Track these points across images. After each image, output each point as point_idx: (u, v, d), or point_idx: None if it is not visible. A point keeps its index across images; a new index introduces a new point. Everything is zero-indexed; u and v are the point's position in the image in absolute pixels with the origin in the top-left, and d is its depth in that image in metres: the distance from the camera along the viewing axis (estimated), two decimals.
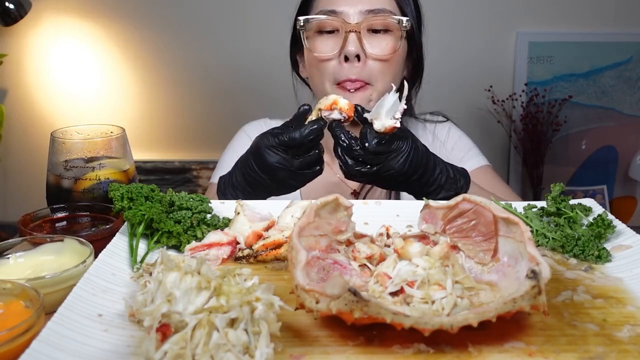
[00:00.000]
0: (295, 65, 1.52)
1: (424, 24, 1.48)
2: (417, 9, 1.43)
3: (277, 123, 1.54)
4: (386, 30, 1.32)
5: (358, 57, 1.30)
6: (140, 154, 2.95)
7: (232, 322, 0.62)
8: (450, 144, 1.55)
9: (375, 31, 1.32)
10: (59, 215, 0.99)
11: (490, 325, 0.66)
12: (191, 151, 3.02)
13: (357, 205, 0.96)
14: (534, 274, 0.66)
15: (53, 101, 3.01)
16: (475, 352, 0.66)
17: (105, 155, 1.05)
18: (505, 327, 0.69)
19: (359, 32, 1.29)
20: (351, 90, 1.32)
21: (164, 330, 0.60)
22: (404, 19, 1.31)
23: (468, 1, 2.90)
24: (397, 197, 1.46)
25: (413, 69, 1.47)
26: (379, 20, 1.31)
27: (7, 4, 2.73)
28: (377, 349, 0.67)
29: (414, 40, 1.40)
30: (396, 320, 0.63)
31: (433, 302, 0.69)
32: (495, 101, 2.86)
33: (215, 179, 1.45)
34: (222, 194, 1.16)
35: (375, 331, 0.69)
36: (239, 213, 0.96)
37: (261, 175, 1.09)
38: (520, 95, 2.91)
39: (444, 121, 1.61)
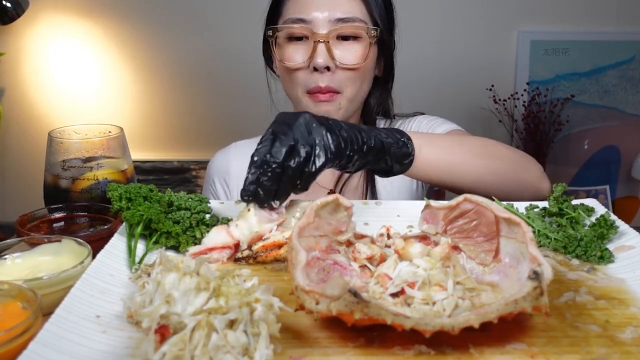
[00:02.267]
0: (269, 61, 1.49)
1: (396, 24, 1.44)
2: (389, 8, 1.39)
3: (247, 144, 1.54)
4: (355, 37, 1.29)
5: (328, 67, 1.27)
6: (138, 154, 2.94)
7: (232, 324, 0.61)
8: (422, 129, 1.49)
9: (345, 38, 1.29)
10: (57, 215, 0.99)
11: (491, 326, 0.65)
12: (190, 151, 3.01)
13: (358, 205, 0.95)
14: (535, 275, 0.65)
15: (51, 100, 3.01)
16: (476, 354, 0.65)
17: (103, 155, 1.04)
18: (506, 328, 0.69)
19: (328, 42, 1.26)
20: (322, 100, 1.30)
21: (163, 332, 0.60)
22: (373, 28, 1.29)
23: (469, 0, 2.90)
24: (372, 191, 1.43)
25: (384, 69, 1.43)
26: (348, 29, 1.28)
27: (4, 2, 2.72)
28: (377, 351, 0.66)
29: (384, 43, 1.37)
30: (397, 322, 0.62)
31: (434, 303, 0.68)
32: (496, 100, 2.85)
33: None
34: None
35: (376, 332, 0.68)
36: (249, 210, 0.90)
37: None
38: (522, 95, 2.91)
39: (418, 115, 1.54)
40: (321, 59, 1.26)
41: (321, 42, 1.26)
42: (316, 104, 1.31)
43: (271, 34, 1.33)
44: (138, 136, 2.97)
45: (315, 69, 1.28)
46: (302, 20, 1.28)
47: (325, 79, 1.28)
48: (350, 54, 1.28)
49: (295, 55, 1.30)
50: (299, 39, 1.30)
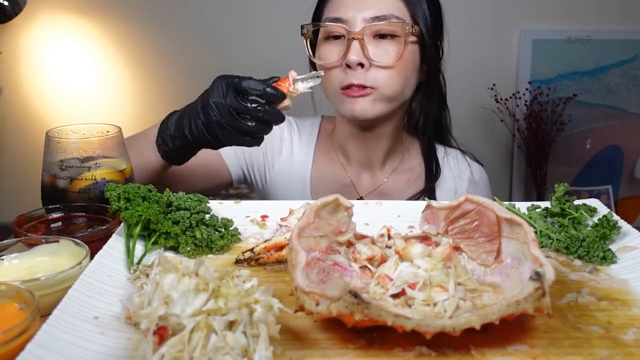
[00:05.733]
0: (313, 65, 1.48)
1: (446, 31, 1.42)
2: (437, 13, 1.37)
3: None
4: (393, 36, 1.28)
5: (362, 65, 1.26)
6: None
7: (231, 325, 0.61)
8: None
9: (382, 37, 1.28)
10: (55, 215, 0.98)
11: (493, 327, 0.65)
12: None
13: (358, 205, 0.95)
14: (537, 276, 0.65)
15: (48, 100, 3.00)
16: (478, 355, 0.65)
17: (101, 154, 1.04)
18: (508, 329, 0.68)
19: (362, 40, 1.26)
20: (355, 96, 1.29)
21: (162, 333, 0.59)
22: (407, 23, 1.27)
23: None
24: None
25: (427, 76, 1.39)
26: (382, 26, 1.27)
27: (1, 0, 2.71)
28: (378, 352, 0.66)
29: (426, 46, 1.34)
30: (397, 323, 0.62)
31: (435, 304, 0.68)
32: (498, 100, 2.84)
33: None
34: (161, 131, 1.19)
35: (376, 334, 0.68)
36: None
37: (198, 111, 1.11)
38: (524, 94, 2.90)
39: (475, 162, 1.56)
40: (354, 55, 1.25)
41: (355, 39, 1.26)
42: (351, 100, 1.30)
43: (306, 32, 1.34)
44: None
45: (349, 67, 1.27)
46: (338, 20, 1.29)
47: (358, 76, 1.27)
48: (385, 52, 1.27)
49: (330, 53, 1.31)
50: (336, 38, 1.31)
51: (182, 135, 1.15)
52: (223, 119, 1.08)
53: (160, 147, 1.19)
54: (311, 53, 1.37)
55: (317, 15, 1.38)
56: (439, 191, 1.46)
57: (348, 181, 1.47)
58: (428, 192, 1.45)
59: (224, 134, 1.09)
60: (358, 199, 1.43)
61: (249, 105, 1.07)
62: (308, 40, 1.36)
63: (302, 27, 1.35)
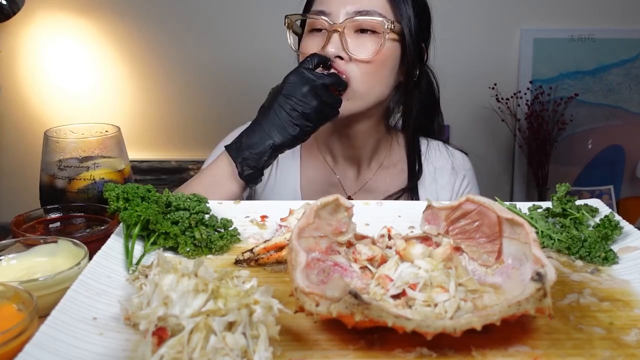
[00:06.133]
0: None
1: (433, 34, 1.43)
2: (423, 17, 1.39)
3: None
4: (373, 32, 1.29)
5: (340, 57, 1.27)
6: (135, 154, 2.92)
7: (230, 326, 0.61)
8: (464, 185, 1.52)
9: (363, 32, 1.29)
10: (53, 216, 0.98)
11: (494, 328, 0.64)
12: (188, 151, 3.00)
13: (358, 205, 0.95)
14: (539, 276, 0.64)
15: (47, 99, 3.00)
16: (479, 356, 0.65)
17: (100, 154, 1.04)
18: (509, 330, 0.68)
19: (342, 33, 1.26)
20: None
21: (161, 334, 0.59)
22: (387, 19, 1.28)
23: None
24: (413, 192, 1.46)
25: (406, 76, 1.39)
26: (363, 21, 1.28)
27: None
28: (378, 353, 0.65)
29: (407, 45, 1.33)
30: (398, 324, 0.61)
31: (436, 305, 0.68)
32: (499, 99, 2.84)
33: (208, 162, 1.38)
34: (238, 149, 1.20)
35: (377, 335, 0.67)
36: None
37: (304, 101, 1.18)
38: (525, 94, 2.90)
39: (458, 150, 1.58)
40: (332, 48, 1.26)
41: (335, 32, 1.27)
42: None
43: (289, 22, 1.36)
44: (135, 136, 2.96)
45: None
46: (321, 12, 1.30)
47: (337, 66, 1.28)
48: (364, 47, 1.28)
49: (311, 44, 1.33)
50: (319, 31, 1.33)
51: (281, 142, 1.19)
52: (329, 98, 1.21)
53: (244, 173, 1.19)
54: (293, 44, 1.39)
55: (306, 9, 1.40)
56: (421, 188, 1.48)
57: (335, 180, 1.49)
58: (410, 190, 1.46)
59: (327, 110, 1.22)
60: (346, 199, 1.43)
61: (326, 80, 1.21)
62: (291, 30, 1.38)
63: (285, 17, 1.37)
